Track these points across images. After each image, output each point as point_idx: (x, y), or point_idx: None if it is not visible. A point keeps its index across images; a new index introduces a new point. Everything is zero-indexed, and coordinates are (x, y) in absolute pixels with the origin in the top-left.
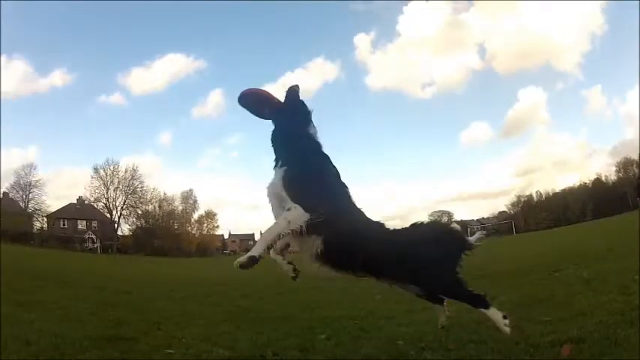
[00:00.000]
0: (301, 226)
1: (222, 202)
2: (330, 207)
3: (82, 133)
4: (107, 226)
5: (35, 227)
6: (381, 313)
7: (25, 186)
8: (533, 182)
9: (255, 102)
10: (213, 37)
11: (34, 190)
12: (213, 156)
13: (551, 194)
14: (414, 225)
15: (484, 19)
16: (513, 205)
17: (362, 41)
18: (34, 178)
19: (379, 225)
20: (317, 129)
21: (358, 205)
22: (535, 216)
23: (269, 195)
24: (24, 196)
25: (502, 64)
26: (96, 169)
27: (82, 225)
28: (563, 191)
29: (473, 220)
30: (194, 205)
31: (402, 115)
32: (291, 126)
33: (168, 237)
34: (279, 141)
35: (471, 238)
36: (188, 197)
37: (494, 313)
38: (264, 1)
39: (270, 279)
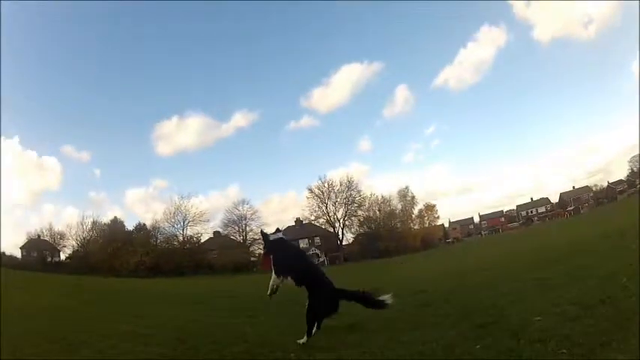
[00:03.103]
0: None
1: (434, 193)
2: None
3: (279, 161)
4: (330, 239)
5: (252, 256)
6: None
7: (239, 220)
8: None
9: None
10: (378, 37)
11: (250, 222)
12: (416, 149)
13: None
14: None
15: None
16: None
17: None
18: (248, 212)
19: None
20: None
21: None
22: None
23: None
24: (240, 229)
25: None
26: (310, 189)
27: (304, 243)
28: None
29: None
30: (412, 201)
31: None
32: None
33: (392, 237)
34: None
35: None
36: (405, 194)
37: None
38: None
39: None
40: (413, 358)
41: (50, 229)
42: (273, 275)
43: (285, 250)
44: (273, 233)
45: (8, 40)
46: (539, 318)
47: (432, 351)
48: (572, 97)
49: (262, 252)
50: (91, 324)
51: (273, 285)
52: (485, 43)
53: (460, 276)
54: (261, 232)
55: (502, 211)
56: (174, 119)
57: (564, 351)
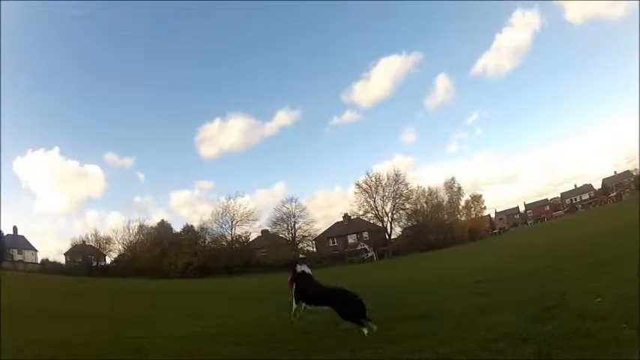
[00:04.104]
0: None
1: (478, 183)
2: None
3: (324, 157)
4: (378, 233)
5: (301, 253)
6: None
7: (287, 218)
8: None
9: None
10: (414, 27)
11: (299, 219)
12: (460, 139)
13: None
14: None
15: None
16: None
17: None
18: (296, 210)
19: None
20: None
21: None
22: None
23: None
24: (289, 227)
25: None
26: (358, 184)
27: (352, 239)
28: None
29: None
30: (459, 192)
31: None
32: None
33: (440, 230)
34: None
35: None
36: (451, 186)
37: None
38: None
39: None
40: (487, 341)
41: (95, 234)
42: (294, 302)
43: (304, 282)
44: (299, 263)
45: (41, 50)
46: (599, 299)
47: (506, 333)
48: (609, 78)
49: (290, 277)
50: (156, 326)
51: (295, 309)
52: (520, 28)
53: (515, 265)
54: (292, 261)
55: (547, 199)
56: (217, 121)
57: (624, 325)
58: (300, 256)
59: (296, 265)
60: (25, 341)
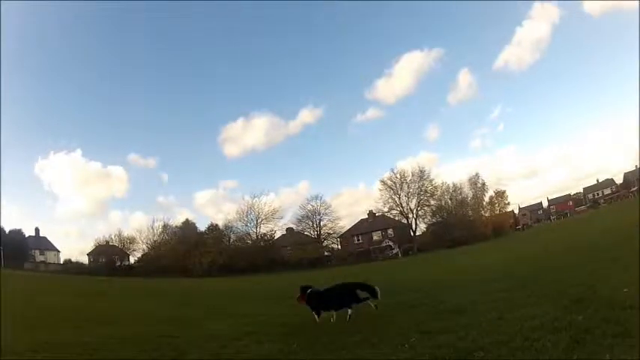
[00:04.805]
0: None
1: (502, 178)
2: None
3: (348, 154)
4: (403, 230)
5: (327, 250)
6: None
7: (313, 215)
8: None
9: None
10: (435, 22)
11: (324, 217)
12: (482, 134)
13: None
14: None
15: None
16: None
17: None
18: (321, 207)
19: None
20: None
21: None
22: None
23: None
24: (314, 225)
25: None
26: (383, 181)
27: (376, 236)
28: None
29: None
30: (483, 188)
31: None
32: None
33: (464, 226)
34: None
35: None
36: (475, 182)
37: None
38: None
39: None
40: (525, 331)
41: (119, 234)
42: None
43: (313, 298)
44: (306, 287)
45: (63, 52)
46: (626, 290)
47: (542, 324)
48: (628, 69)
49: (300, 293)
50: (189, 325)
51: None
52: (540, 20)
53: (540, 260)
54: (301, 286)
55: (569, 194)
56: (240, 121)
57: None
58: (326, 253)
59: (306, 289)
60: (57, 343)
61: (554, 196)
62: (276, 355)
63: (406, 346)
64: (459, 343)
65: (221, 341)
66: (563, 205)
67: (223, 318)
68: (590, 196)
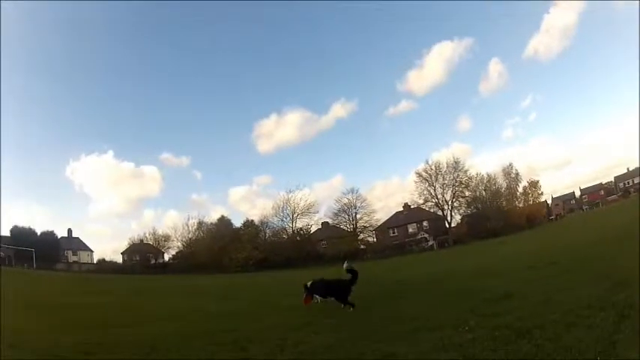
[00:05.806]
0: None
1: (534, 168)
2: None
3: (381, 147)
4: (438, 222)
5: (363, 244)
6: None
7: (348, 209)
8: None
9: None
10: (464, 12)
11: (360, 210)
12: (514, 124)
13: None
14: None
15: None
16: None
17: None
18: (357, 201)
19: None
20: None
21: None
22: None
23: None
24: (350, 218)
25: None
26: (418, 174)
27: (412, 228)
28: None
29: None
30: (517, 178)
31: None
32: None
33: (499, 217)
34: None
35: None
36: (509, 172)
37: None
38: None
39: None
40: (575, 310)
41: (154, 232)
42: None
43: (315, 288)
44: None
45: (92, 53)
46: None
47: (589, 304)
48: None
49: (305, 293)
50: (242, 319)
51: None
52: (566, 6)
53: (579, 248)
54: (305, 285)
55: (601, 183)
56: (273, 117)
57: None
58: (361, 246)
59: (307, 286)
60: (110, 342)
61: (586, 186)
62: (335, 344)
63: (467, 328)
64: (516, 324)
65: (280, 333)
66: (595, 195)
67: (272, 310)
68: (621, 185)
